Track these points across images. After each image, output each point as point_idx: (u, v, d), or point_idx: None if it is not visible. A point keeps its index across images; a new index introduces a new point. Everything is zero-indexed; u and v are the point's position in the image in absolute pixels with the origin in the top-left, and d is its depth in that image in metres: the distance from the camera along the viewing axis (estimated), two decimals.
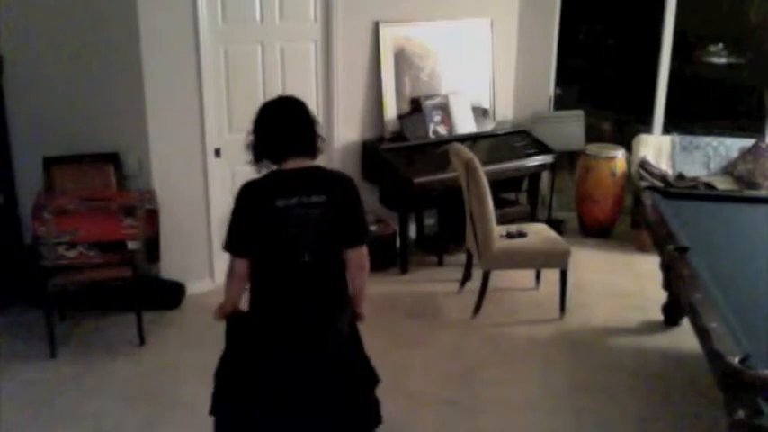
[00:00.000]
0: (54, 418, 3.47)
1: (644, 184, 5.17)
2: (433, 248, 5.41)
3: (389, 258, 5.13)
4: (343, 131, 5.19)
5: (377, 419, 2.90)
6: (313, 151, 2.64)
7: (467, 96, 5.62)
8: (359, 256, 2.68)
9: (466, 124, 5.55)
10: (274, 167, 2.63)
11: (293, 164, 2.60)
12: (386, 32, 5.26)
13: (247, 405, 2.69)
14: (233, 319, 2.78)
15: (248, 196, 2.59)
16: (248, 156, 2.68)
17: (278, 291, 2.63)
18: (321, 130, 2.70)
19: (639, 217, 4.42)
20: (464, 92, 5.63)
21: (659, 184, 5.17)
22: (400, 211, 5.18)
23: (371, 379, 2.88)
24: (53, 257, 3.88)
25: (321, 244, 2.59)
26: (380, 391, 3.69)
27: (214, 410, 2.80)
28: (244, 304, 2.76)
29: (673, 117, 5.95)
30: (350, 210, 2.64)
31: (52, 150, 4.33)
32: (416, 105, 5.43)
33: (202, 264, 4.80)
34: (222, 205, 4.80)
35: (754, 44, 6.44)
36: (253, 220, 2.57)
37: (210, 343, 4.17)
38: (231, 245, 2.63)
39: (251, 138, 2.66)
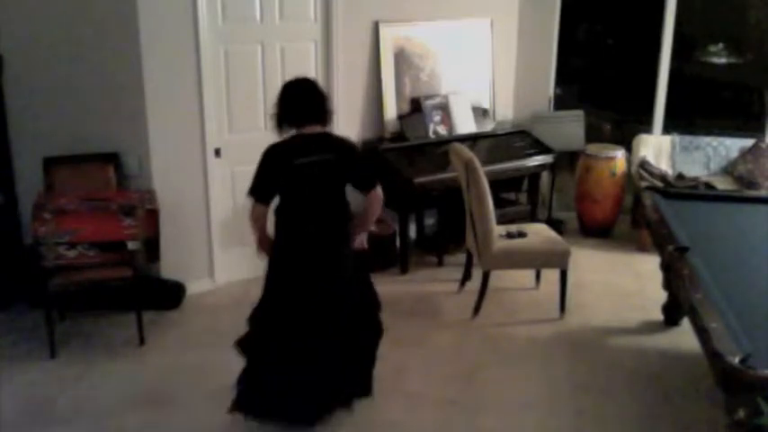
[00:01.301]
0: (54, 418, 3.46)
1: (644, 184, 5.18)
2: (433, 248, 5.41)
3: (389, 258, 5.13)
4: (343, 131, 5.14)
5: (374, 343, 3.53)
6: (324, 120, 3.28)
7: (467, 96, 5.62)
8: (374, 195, 3.37)
9: (466, 124, 5.55)
10: (293, 132, 3.25)
11: (309, 129, 3.24)
12: (386, 32, 5.26)
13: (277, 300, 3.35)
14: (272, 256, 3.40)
15: (273, 155, 3.25)
16: (272, 124, 3.29)
17: (298, 226, 3.29)
18: (331, 104, 3.33)
19: (639, 217, 4.43)
20: (464, 92, 5.63)
21: (659, 184, 5.17)
22: (400, 211, 5.18)
23: (374, 303, 3.53)
24: (53, 257, 3.88)
25: (330, 191, 3.29)
26: (380, 391, 3.70)
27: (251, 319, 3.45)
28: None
29: (673, 117, 5.95)
30: (356, 165, 3.34)
31: (52, 150, 4.33)
32: (416, 105, 5.43)
33: (202, 264, 4.81)
34: (222, 205, 4.81)
35: (754, 44, 6.44)
36: (276, 174, 3.24)
37: (210, 343, 4.19)
38: (256, 192, 3.29)
39: (275, 110, 3.27)
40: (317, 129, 3.25)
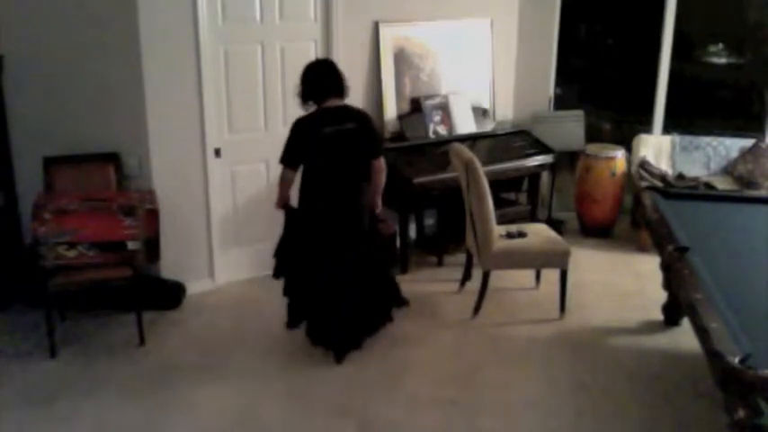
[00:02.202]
0: (54, 418, 3.46)
1: (644, 184, 5.17)
2: (433, 248, 5.41)
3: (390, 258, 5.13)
4: None
5: (398, 299, 4.30)
6: (343, 94, 3.83)
7: (467, 96, 5.62)
8: (379, 163, 3.97)
9: (466, 124, 5.55)
10: (315, 107, 3.80)
11: (331, 103, 3.79)
12: (386, 32, 5.26)
13: (300, 264, 3.96)
14: (289, 210, 4.00)
15: (302, 126, 3.79)
16: (297, 100, 3.86)
17: (326, 187, 3.84)
18: (347, 80, 3.86)
19: (639, 217, 4.42)
20: (464, 92, 5.64)
21: (659, 184, 5.17)
22: (400, 211, 5.18)
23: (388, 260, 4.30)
24: (53, 257, 3.88)
25: (354, 155, 3.85)
26: (380, 391, 3.71)
27: (277, 274, 4.06)
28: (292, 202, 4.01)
29: (673, 117, 5.95)
30: (372, 134, 3.90)
31: (52, 150, 4.33)
32: (416, 105, 5.43)
33: (202, 264, 4.81)
34: (222, 205, 4.81)
35: (754, 44, 6.44)
36: (305, 142, 3.77)
37: (210, 343, 4.19)
38: (287, 160, 3.84)
39: (300, 88, 3.81)
40: (336, 102, 3.81)
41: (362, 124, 3.86)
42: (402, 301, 4.32)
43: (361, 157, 3.90)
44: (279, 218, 4.78)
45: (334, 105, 3.81)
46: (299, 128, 3.80)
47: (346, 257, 3.91)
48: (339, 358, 3.92)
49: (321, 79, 3.80)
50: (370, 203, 4.03)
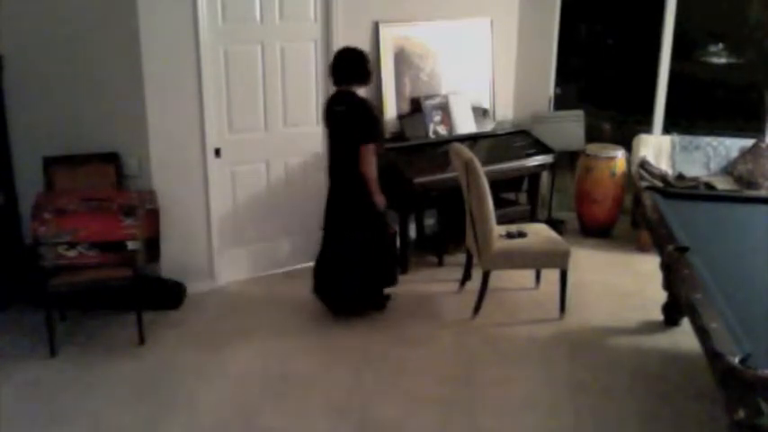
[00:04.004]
0: (54, 418, 3.46)
1: (644, 184, 5.17)
2: (433, 248, 5.41)
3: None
4: None
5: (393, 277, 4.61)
6: (349, 82, 4.21)
7: (467, 96, 5.62)
8: (364, 149, 4.16)
9: (466, 124, 5.55)
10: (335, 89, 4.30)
11: (343, 87, 4.24)
12: (386, 32, 5.26)
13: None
14: None
15: (325, 104, 4.41)
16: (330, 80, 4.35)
17: (330, 164, 4.41)
18: (359, 69, 4.21)
19: (639, 217, 4.42)
20: (464, 92, 5.64)
21: (659, 184, 5.17)
22: (400, 211, 5.18)
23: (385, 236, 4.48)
24: (53, 257, 3.88)
25: (343, 137, 4.25)
26: (380, 391, 3.71)
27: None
28: None
29: (673, 117, 5.95)
30: (359, 120, 4.18)
31: (52, 150, 4.33)
32: (416, 105, 5.43)
33: (202, 264, 4.81)
34: (222, 205, 4.81)
35: (754, 44, 6.44)
36: (325, 117, 4.39)
37: (210, 343, 4.20)
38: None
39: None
40: (346, 88, 4.21)
41: (351, 109, 4.19)
42: (379, 305, 4.57)
43: (349, 141, 4.19)
44: (278, 218, 4.79)
45: (342, 90, 4.23)
46: (325, 104, 4.40)
47: (347, 237, 4.31)
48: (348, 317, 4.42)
49: (334, 66, 4.25)
50: (367, 192, 4.28)
